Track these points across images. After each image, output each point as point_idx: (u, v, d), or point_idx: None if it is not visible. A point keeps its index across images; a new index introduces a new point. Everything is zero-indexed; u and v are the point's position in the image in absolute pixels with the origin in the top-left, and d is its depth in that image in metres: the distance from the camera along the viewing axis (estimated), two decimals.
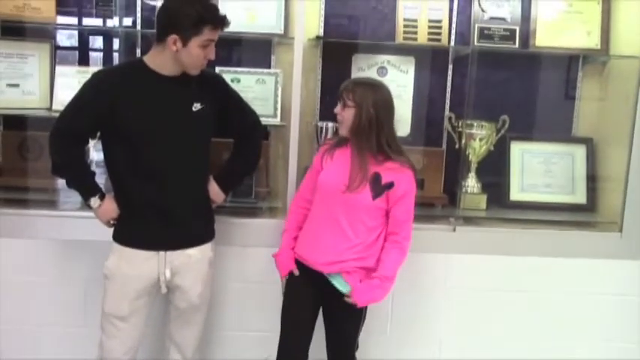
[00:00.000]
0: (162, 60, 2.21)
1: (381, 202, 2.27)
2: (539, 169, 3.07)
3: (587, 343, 2.88)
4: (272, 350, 2.68)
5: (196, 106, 2.27)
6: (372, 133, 2.26)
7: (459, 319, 2.82)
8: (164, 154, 2.22)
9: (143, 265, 2.27)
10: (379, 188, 2.23)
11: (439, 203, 2.96)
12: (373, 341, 2.54)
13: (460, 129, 2.98)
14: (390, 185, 2.25)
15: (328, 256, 2.31)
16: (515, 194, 3.03)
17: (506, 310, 2.83)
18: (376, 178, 2.24)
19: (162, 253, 2.27)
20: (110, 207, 2.27)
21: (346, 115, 2.29)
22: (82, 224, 2.62)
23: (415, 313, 2.80)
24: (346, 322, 2.39)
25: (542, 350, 2.87)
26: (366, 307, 2.37)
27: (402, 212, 2.29)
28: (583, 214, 2.99)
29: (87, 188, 2.28)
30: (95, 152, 2.64)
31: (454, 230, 2.76)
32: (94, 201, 2.26)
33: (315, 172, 2.41)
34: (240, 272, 2.71)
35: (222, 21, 2.18)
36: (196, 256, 2.34)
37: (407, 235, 2.32)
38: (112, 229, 2.31)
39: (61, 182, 2.84)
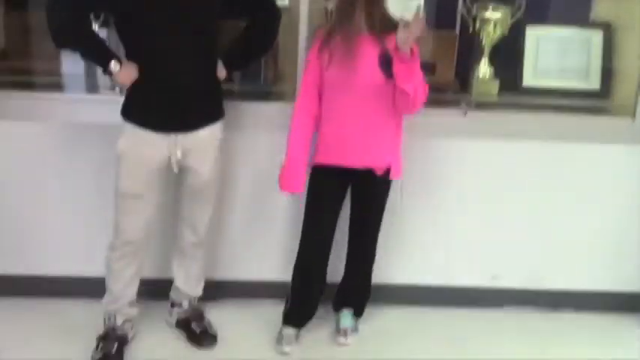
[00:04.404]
0: None
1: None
2: (554, 55, 2.97)
3: (599, 226, 2.90)
4: (284, 233, 2.77)
5: None
6: (356, 10, 2.20)
7: (469, 204, 2.84)
8: (169, 34, 2.18)
9: (155, 145, 2.28)
10: (389, 66, 2.18)
11: (450, 89, 2.91)
12: (382, 225, 2.58)
13: (474, 12, 2.89)
14: None
15: (358, 152, 2.33)
16: (528, 80, 2.97)
17: (516, 195, 2.84)
18: (386, 56, 2.18)
19: (172, 135, 2.28)
20: (130, 69, 2.23)
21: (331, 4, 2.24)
22: (91, 107, 2.61)
23: (424, 199, 2.82)
24: (374, 200, 2.46)
25: (553, 233, 2.90)
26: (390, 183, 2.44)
27: None
28: (596, 100, 2.93)
29: (102, 55, 2.24)
30: None
31: (465, 115, 2.72)
32: (115, 65, 2.21)
33: (314, 70, 2.34)
34: (249, 157, 2.72)
35: None
36: (207, 136, 2.35)
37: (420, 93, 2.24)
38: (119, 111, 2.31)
39: (67, 64, 2.83)
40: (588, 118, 2.79)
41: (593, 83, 2.97)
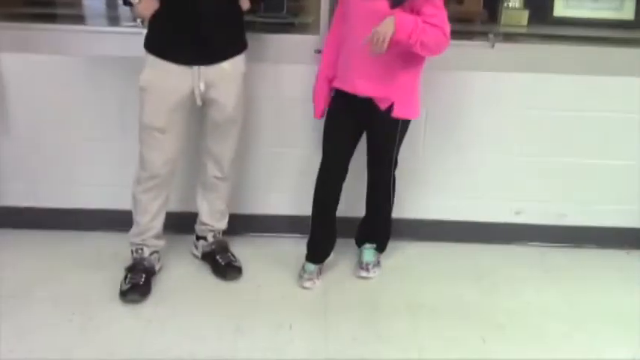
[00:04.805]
0: None
1: (405, 10, 2.16)
2: None
3: (626, 161, 2.85)
4: (307, 164, 2.76)
5: None
6: None
7: (493, 136, 2.80)
8: None
9: (178, 77, 2.27)
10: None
11: (478, 19, 2.81)
12: (405, 159, 2.56)
13: None
14: None
15: (358, 80, 2.30)
16: (560, 10, 2.86)
17: (543, 129, 2.78)
18: None
19: (195, 67, 2.26)
20: (151, 3, 2.20)
21: None
22: (114, 40, 2.57)
23: (450, 130, 2.78)
24: (385, 135, 2.42)
25: (577, 167, 2.85)
26: (406, 123, 2.40)
27: (429, 17, 2.16)
28: (630, 30, 2.82)
29: None
30: None
31: (493, 47, 2.64)
32: None
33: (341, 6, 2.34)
34: (272, 89, 2.69)
35: None
36: (230, 69, 2.33)
37: (441, 31, 2.17)
38: (142, 43, 2.28)
39: None
40: (621, 51, 2.68)
41: (627, 13, 2.86)
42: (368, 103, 2.34)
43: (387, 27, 2.10)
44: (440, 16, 2.18)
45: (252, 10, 2.42)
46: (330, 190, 2.54)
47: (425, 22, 2.16)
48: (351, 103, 2.37)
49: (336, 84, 2.41)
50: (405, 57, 2.26)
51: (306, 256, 2.64)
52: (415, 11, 2.18)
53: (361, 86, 2.32)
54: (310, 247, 2.63)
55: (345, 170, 2.51)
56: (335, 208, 2.58)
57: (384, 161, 2.49)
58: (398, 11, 2.15)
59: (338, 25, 2.38)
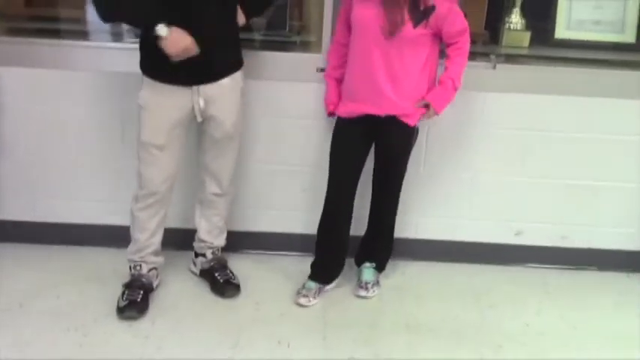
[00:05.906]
0: None
1: (424, 28, 2.20)
2: (589, 5, 2.88)
3: (625, 185, 2.84)
4: (307, 184, 2.76)
5: None
6: None
7: (494, 157, 2.79)
8: None
9: (177, 96, 2.27)
10: (419, 14, 2.13)
11: (480, 40, 2.82)
12: (406, 178, 2.56)
13: None
14: (432, 9, 2.15)
15: (384, 104, 2.31)
16: (561, 32, 2.87)
17: (543, 150, 2.78)
18: (414, 2, 2.14)
19: (194, 87, 2.26)
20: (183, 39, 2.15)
21: None
22: (116, 55, 2.59)
23: (451, 150, 2.78)
24: (396, 148, 2.44)
25: (578, 189, 2.84)
26: (417, 130, 2.43)
27: (453, 25, 2.23)
28: (631, 53, 2.83)
29: None
30: None
31: (494, 68, 2.65)
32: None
33: (346, 11, 2.35)
34: (272, 107, 2.69)
35: None
36: (229, 85, 2.33)
37: (466, 40, 2.31)
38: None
39: (92, 12, 2.80)
40: (622, 74, 2.69)
41: (629, 36, 2.87)
42: (388, 120, 2.34)
43: (433, 115, 2.38)
44: (460, 20, 2.27)
45: (247, 26, 2.44)
46: (342, 215, 2.54)
47: (448, 31, 2.26)
48: (365, 124, 2.36)
49: (351, 108, 2.38)
50: (429, 73, 2.35)
51: (310, 274, 2.63)
52: (438, 25, 2.23)
53: (389, 106, 2.32)
54: (314, 266, 2.63)
55: (354, 193, 2.51)
56: (346, 232, 2.58)
57: (398, 171, 2.50)
58: (430, 93, 2.35)
59: (343, 34, 2.40)
